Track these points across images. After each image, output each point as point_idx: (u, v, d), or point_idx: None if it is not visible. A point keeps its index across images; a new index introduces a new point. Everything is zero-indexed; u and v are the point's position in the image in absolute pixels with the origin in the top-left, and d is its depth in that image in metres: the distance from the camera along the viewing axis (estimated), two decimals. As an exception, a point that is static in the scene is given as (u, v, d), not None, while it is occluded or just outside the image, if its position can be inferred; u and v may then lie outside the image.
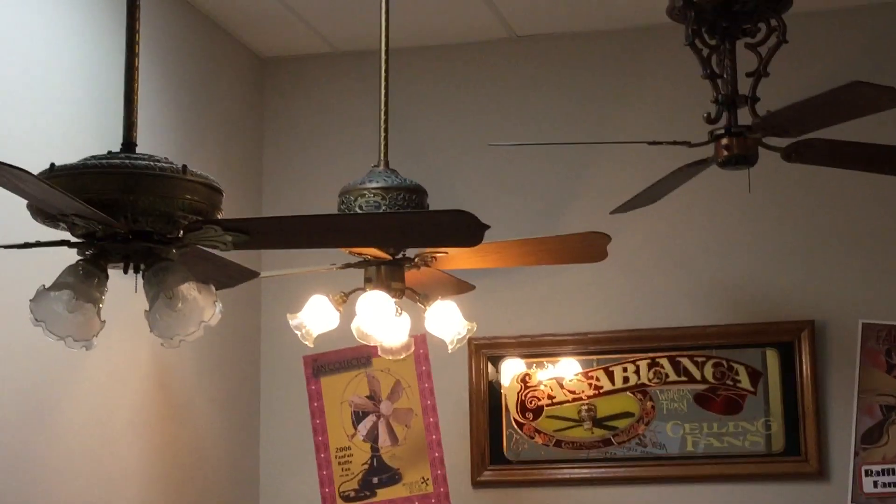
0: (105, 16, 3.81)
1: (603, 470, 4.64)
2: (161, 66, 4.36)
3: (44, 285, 2.29)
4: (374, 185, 3.66)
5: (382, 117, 3.81)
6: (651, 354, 4.64)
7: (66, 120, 3.72)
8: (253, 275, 3.12)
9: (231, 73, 4.93)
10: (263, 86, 5.12)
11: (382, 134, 3.80)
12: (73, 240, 2.38)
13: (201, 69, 4.67)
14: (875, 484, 4.39)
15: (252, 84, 5.07)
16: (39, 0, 3.68)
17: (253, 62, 5.06)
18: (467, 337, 3.86)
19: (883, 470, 4.39)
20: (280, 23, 4.77)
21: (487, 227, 2.34)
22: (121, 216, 2.28)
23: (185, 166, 2.32)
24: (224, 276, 2.99)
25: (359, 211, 3.64)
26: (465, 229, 2.37)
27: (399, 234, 2.59)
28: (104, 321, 2.32)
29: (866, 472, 4.41)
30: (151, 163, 2.30)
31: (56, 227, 2.35)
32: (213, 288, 2.33)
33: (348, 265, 3.84)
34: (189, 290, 2.32)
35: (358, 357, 4.76)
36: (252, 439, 4.91)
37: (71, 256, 2.41)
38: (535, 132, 4.80)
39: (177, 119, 4.45)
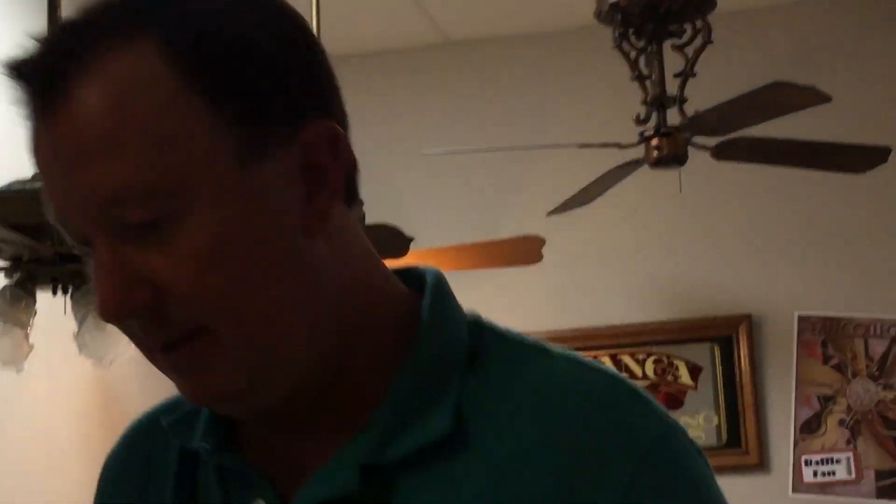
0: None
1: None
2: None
3: (-30, 311, 2.30)
4: (310, 195, 3.67)
5: (316, 127, 3.82)
6: (592, 352, 4.67)
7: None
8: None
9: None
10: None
11: (316, 143, 3.81)
12: (0, 264, 2.38)
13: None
14: (815, 473, 4.46)
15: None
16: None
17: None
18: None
19: (822, 459, 4.46)
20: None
21: (411, 239, 2.37)
22: (47, 239, 2.29)
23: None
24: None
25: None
26: (392, 242, 2.39)
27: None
28: (33, 344, 2.33)
29: (806, 461, 4.47)
30: (76, 185, 2.31)
31: (-17, 251, 2.36)
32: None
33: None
34: (118, 310, 2.32)
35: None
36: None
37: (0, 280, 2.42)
38: (470, 136, 4.83)
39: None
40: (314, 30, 3.83)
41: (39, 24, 2.52)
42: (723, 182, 4.61)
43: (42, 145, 0.89)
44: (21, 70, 0.88)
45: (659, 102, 3.61)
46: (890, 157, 3.71)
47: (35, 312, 2.37)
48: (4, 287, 2.35)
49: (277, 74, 0.92)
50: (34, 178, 2.34)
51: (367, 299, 0.97)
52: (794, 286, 4.58)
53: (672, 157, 3.63)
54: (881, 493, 4.40)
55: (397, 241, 2.34)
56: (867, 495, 4.41)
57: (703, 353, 4.62)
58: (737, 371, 4.57)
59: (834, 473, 4.43)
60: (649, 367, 4.65)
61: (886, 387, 4.46)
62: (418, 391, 0.94)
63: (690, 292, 4.67)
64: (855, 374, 4.49)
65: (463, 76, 4.94)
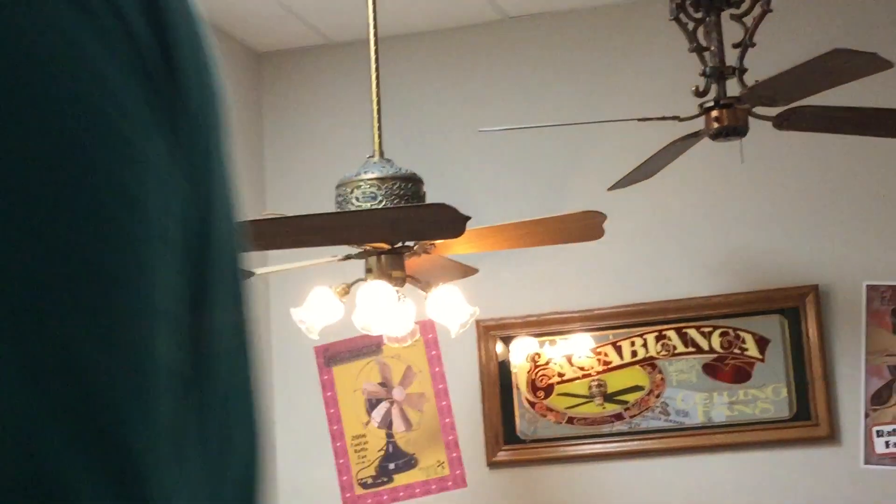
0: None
1: (617, 444, 4.67)
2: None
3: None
4: (370, 175, 3.68)
5: (375, 107, 3.83)
6: (658, 327, 4.67)
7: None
8: (248, 274, 3.15)
9: (227, 69, 4.94)
10: (261, 80, 5.16)
11: (375, 124, 3.82)
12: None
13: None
14: (887, 444, 4.41)
15: (249, 79, 5.10)
16: None
17: (248, 57, 5.10)
18: (470, 321, 3.89)
19: (894, 430, 4.41)
20: (273, 17, 4.80)
21: (468, 218, 2.37)
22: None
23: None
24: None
25: (356, 202, 3.66)
26: (448, 221, 2.40)
27: (384, 229, 2.62)
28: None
29: (877, 433, 4.43)
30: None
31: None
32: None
33: (349, 256, 3.87)
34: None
35: (368, 345, 4.80)
36: (267, 431, 4.95)
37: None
38: (528, 113, 4.82)
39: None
40: (370, 10, 3.84)
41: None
42: (785, 152, 4.57)
43: None
44: None
45: (718, 73, 3.58)
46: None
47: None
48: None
49: None
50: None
51: None
52: (861, 255, 4.53)
53: (733, 129, 3.59)
54: (955, 462, 4.36)
55: (454, 220, 2.34)
56: (940, 465, 4.36)
57: (770, 325, 4.59)
58: (805, 342, 4.54)
59: (906, 444, 4.39)
60: (716, 341, 4.62)
61: (958, 355, 4.41)
62: None
63: (756, 264, 4.64)
64: (926, 343, 4.44)
65: (521, 52, 4.93)
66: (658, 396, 4.65)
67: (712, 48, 3.58)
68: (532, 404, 4.75)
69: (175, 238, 0.50)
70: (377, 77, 3.84)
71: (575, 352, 4.74)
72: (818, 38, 4.35)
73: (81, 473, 0.44)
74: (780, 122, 3.63)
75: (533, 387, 4.76)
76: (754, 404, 4.57)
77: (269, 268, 4.33)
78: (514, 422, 4.75)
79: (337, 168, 3.95)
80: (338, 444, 4.81)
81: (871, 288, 4.48)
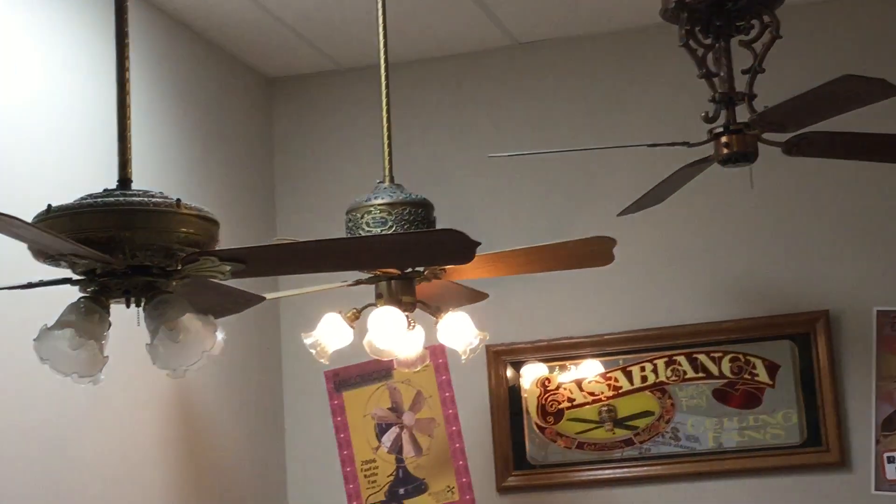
0: (102, 52, 3.86)
1: (627, 470, 4.66)
2: (169, 93, 4.42)
3: (46, 324, 2.34)
4: (380, 201, 3.68)
5: (385, 133, 3.84)
6: (668, 353, 4.67)
7: (67, 156, 3.78)
8: (259, 299, 3.16)
9: (238, 94, 4.99)
10: (271, 106, 5.18)
11: (386, 149, 3.83)
12: (75, 277, 2.42)
13: (209, 93, 4.73)
14: (898, 470, 4.40)
15: (260, 104, 5.12)
16: (34, 39, 3.74)
17: (259, 82, 5.12)
18: (480, 346, 3.89)
19: (905, 456, 4.40)
20: (284, 43, 4.82)
21: (478, 243, 2.37)
22: (118, 252, 2.32)
23: (178, 200, 2.35)
24: (229, 303, 3.03)
25: (366, 228, 3.67)
26: (458, 247, 2.40)
27: (394, 255, 2.63)
28: (107, 357, 2.36)
29: (888, 458, 4.41)
30: (146, 198, 2.34)
31: (58, 265, 2.39)
32: (213, 318, 2.37)
33: (359, 282, 3.88)
34: (190, 321, 2.35)
35: (378, 370, 4.80)
36: (278, 456, 4.96)
37: (75, 293, 2.46)
38: (538, 139, 4.83)
39: (188, 143, 4.51)
40: (381, 36, 3.86)
41: (108, 28, 2.56)
42: (795, 178, 4.57)
43: None
44: None
45: (728, 99, 3.59)
46: (966, 148, 3.65)
47: (110, 325, 2.40)
48: (79, 300, 2.39)
49: None
50: (105, 192, 2.38)
51: None
52: (872, 281, 4.53)
53: (742, 155, 3.60)
54: (966, 489, 4.34)
55: (463, 246, 2.34)
56: (952, 492, 4.35)
57: (780, 351, 4.58)
58: (815, 368, 4.53)
59: (917, 470, 4.38)
60: (726, 366, 4.62)
61: (969, 381, 4.39)
62: None
63: (766, 289, 4.63)
64: (937, 369, 4.43)
65: (531, 78, 4.95)
66: (668, 422, 4.64)
67: (722, 74, 3.59)
68: (542, 429, 4.75)
69: None
70: (388, 102, 3.85)
71: (585, 377, 4.74)
72: (827, 65, 4.36)
73: None
74: (790, 148, 3.64)
75: (543, 412, 4.76)
76: (765, 430, 4.56)
77: (279, 293, 4.34)
78: (524, 447, 4.75)
79: (347, 193, 3.96)
80: (347, 470, 4.81)
81: (881, 313, 4.48)
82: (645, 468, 4.65)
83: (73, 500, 3.63)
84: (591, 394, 4.72)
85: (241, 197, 4.87)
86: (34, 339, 2.34)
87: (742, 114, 3.58)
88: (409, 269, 3.79)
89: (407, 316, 3.77)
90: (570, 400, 4.74)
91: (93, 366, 2.35)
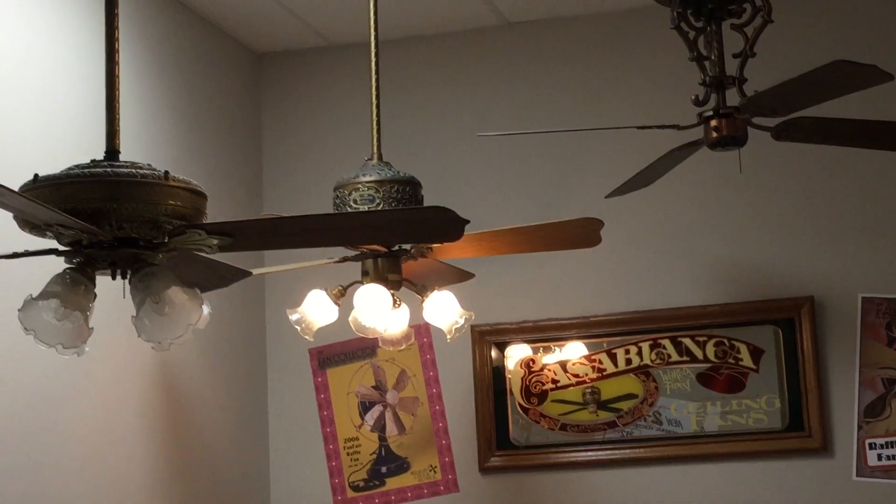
0: (89, 23, 3.84)
1: (609, 452, 4.67)
2: (157, 66, 4.40)
3: (31, 295, 2.32)
4: (368, 178, 3.68)
5: (374, 110, 3.83)
6: (653, 335, 4.67)
7: (54, 126, 3.76)
8: (244, 274, 3.15)
9: (227, 69, 4.96)
10: (259, 81, 5.15)
11: (375, 127, 3.82)
12: (60, 248, 2.41)
13: (197, 67, 4.70)
14: (879, 457, 4.41)
15: (248, 80, 5.10)
16: (18, 8, 3.71)
17: (248, 58, 5.10)
18: (465, 326, 3.89)
19: (886, 443, 4.41)
20: (274, 18, 4.79)
21: (467, 221, 2.37)
22: (105, 224, 2.30)
23: (167, 172, 2.34)
24: (215, 277, 3.02)
25: (353, 205, 3.67)
26: (446, 225, 2.39)
27: (382, 231, 2.62)
28: (93, 328, 2.35)
29: (870, 445, 4.43)
30: (133, 170, 2.33)
31: (44, 236, 2.38)
32: (199, 291, 2.36)
33: (346, 259, 3.87)
34: (175, 294, 2.35)
35: (363, 348, 4.79)
36: (261, 432, 4.95)
37: (60, 264, 2.44)
38: (527, 119, 4.82)
39: (175, 117, 4.49)
40: (371, 13, 3.85)
41: (100, 19, 2.55)
42: (784, 163, 4.57)
43: None
44: None
45: (718, 83, 3.58)
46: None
47: (95, 296, 2.39)
48: (64, 271, 2.37)
49: None
50: (92, 163, 2.37)
51: None
52: (857, 267, 4.53)
53: (731, 139, 3.60)
54: (947, 476, 4.36)
55: (452, 224, 2.34)
56: (932, 479, 4.37)
57: (765, 336, 4.59)
58: (799, 354, 4.54)
59: (898, 457, 4.39)
60: (710, 350, 4.62)
61: (952, 369, 4.41)
62: None
63: (752, 274, 4.64)
64: (920, 357, 4.44)
65: (521, 58, 4.93)
66: (651, 405, 4.64)
67: (713, 57, 3.59)
68: (525, 410, 4.75)
69: None
70: (377, 80, 3.85)
71: (569, 359, 4.74)
72: (818, 50, 4.35)
73: None
74: (779, 133, 3.63)
75: (527, 393, 4.76)
76: (748, 414, 4.57)
77: (265, 269, 4.33)
78: (507, 427, 4.75)
79: (335, 170, 3.96)
80: (330, 447, 4.81)
81: (866, 300, 4.49)
82: (627, 451, 4.66)
83: (56, 473, 3.62)
84: (576, 375, 4.73)
85: (228, 172, 4.86)
86: (19, 310, 2.32)
87: (732, 98, 3.57)
88: (396, 247, 3.79)
89: (393, 294, 3.77)
90: (555, 381, 4.74)
91: (77, 337, 2.34)
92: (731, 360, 4.60)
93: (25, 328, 2.32)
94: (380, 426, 4.81)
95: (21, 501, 3.46)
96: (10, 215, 2.38)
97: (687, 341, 4.65)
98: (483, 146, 4.79)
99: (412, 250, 3.80)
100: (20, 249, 2.48)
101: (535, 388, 4.75)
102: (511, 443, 4.75)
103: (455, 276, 4.19)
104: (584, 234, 3.79)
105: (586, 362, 4.72)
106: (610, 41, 4.84)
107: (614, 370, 4.69)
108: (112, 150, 2.43)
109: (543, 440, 4.73)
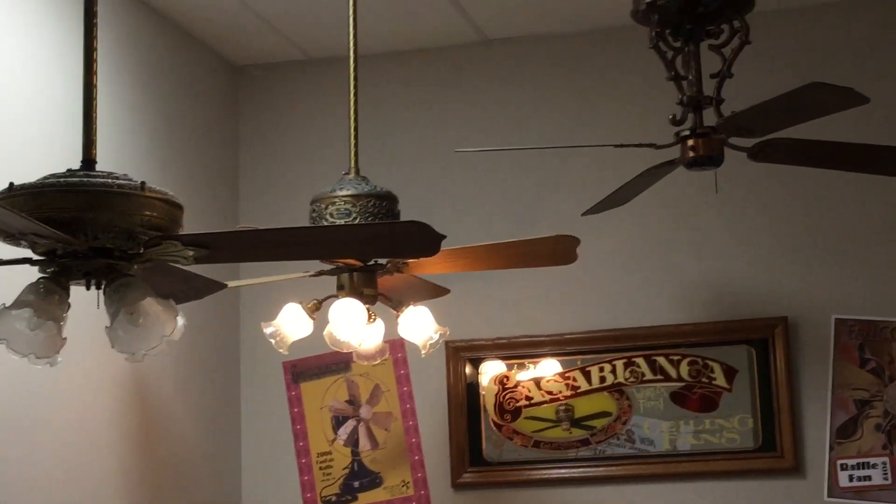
0: (67, 33, 3.83)
1: (582, 469, 4.67)
2: (135, 77, 4.39)
3: (4, 304, 2.31)
4: (345, 192, 3.68)
5: (352, 124, 3.83)
6: (627, 354, 4.68)
7: (30, 135, 3.75)
8: (219, 286, 3.15)
9: (205, 81, 4.96)
10: (238, 94, 5.15)
11: (352, 141, 3.82)
12: (35, 257, 2.39)
13: (176, 78, 4.70)
14: (850, 478, 4.43)
15: (226, 92, 5.09)
16: None
17: (226, 70, 5.09)
18: (440, 342, 3.89)
19: (858, 464, 4.43)
20: (253, 31, 4.79)
21: (443, 237, 2.37)
22: (80, 233, 2.30)
23: (143, 183, 2.33)
24: (190, 289, 3.02)
25: (330, 219, 3.66)
26: (423, 240, 2.39)
27: (358, 245, 2.62)
28: (66, 338, 2.34)
29: (842, 466, 4.44)
30: (110, 180, 2.32)
31: (18, 245, 2.37)
32: (174, 303, 2.36)
33: (321, 272, 3.86)
34: (150, 305, 2.34)
35: (337, 362, 4.79)
36: (233, 445, 4.93)
37: (34, 273, 2.43)
38: (505, 135, 4.83)
39: (153, 128, 4.48)
40: (351, 28, 3.85)
41: (76, 28, 2.54)
42: (759, 183, 4.59)
43: None
44: None
45: (695, 103, 3.59)
46: (929, 160, 3.67)
47: (69, 306, 2.38)
48: (38, 281, 2.36)
49: None
50: (68, 172, 2.36)
51: None
52: (831, 289, 4.55)
53: (708, 158, 3.61)
54: (917, 498, 4.37)
55: (429, 239, 2.34)
56: (903, 501, 4.38)
57: (738, 356, 4.60)
58: (772, 374, 4.55)
59: (870, 478, 4.41)
60: (684, 369, 4.63)
61: (924, 391, 4.43)
62: None
63: (726, 294, 4.65)
64: (892, 378, 4.46)
65: (500, 75, 4.94)
66: (625, 423, 4.65)
67: (690, 77, 3.60)
68: (499, 427, 4.75)
69: None
70: (355, 94, 3.84)
71: (543, 376, 4.74)
72: (795, 72, 4.38)
73: None
74: (756, 154, 3.65)
75: (500, 409, 4.75)
76: (720, 434, 4.58)
77: (240, 281, 4.32)
78: (480, 444, 4.75)
79: (312, 184, 3.95)
80: (303, 461, 4.80)
81: (839, 321, 4.51)
82: (600, 469, 4.66)
83: (26, 485, 3.60)
84: (549, 393, 4.73)
85: (205, 183, 4.85)
86: (-9, 319, 2.31)
87: (709, 118, 3.59)
88: (372, 262, 3.79)
89: (368, 308, 3.77)
90: (528, 398, 4.74)
91: (51, 347, 2.33)
92: (705, 380, 4.61)
93: (-3, 337, 2.31)
94: (353, 441, 4.80)
95: (-10, 512, 3.44)
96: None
97: (661, 360, 4.65)
98: (461, 162, 4.79)
99: (388, 265, 3.80)
100: (-6, 258, 2.47)
101: (508, 404, 4.75)
102: (484, 459, 4.74)
103: (430, 292, 4.18)
104: (559, 251, 3.79)
105: (560, 379, 4.72)
106: (588, 59, 4.86)
107: (588, 388, 4.70)
108: (88, 160, 2.42)
109: (516, 457, 4.73)
